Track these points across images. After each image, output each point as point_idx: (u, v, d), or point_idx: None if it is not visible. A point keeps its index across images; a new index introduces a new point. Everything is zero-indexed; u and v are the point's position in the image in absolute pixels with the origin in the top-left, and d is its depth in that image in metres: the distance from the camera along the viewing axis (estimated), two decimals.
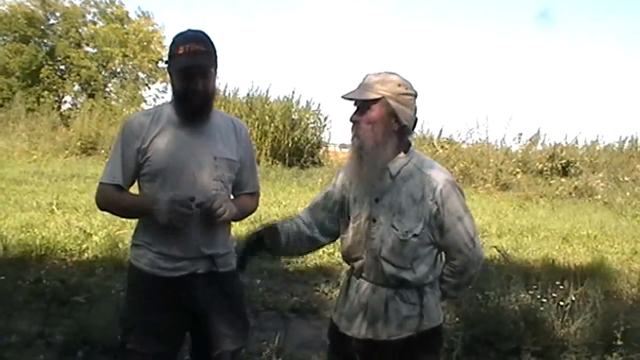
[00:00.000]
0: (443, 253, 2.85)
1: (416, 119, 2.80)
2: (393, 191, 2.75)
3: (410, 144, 2.84)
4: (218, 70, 3.05)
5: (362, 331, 2.84)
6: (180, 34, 3.00)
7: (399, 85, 2.71)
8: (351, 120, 2.77)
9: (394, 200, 2.74)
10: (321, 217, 3.03)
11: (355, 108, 2.76)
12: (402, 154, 2.78)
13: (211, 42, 3.00)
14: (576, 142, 22.40)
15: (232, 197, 3.23)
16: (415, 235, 2.72)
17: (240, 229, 8.76)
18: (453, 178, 2.87)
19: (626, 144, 22.89)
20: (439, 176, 2.76)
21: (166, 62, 3.05)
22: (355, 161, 2.80)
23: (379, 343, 2.81)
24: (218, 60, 3.04)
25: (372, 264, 2.80)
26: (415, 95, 2.77)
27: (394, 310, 2.78)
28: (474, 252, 2.81)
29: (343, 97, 2.76)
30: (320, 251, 8.22)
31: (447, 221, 2.73)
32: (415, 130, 2.94)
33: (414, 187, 2.74)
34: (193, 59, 2.90)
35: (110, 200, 3.10)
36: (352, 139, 2.78)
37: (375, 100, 2.68)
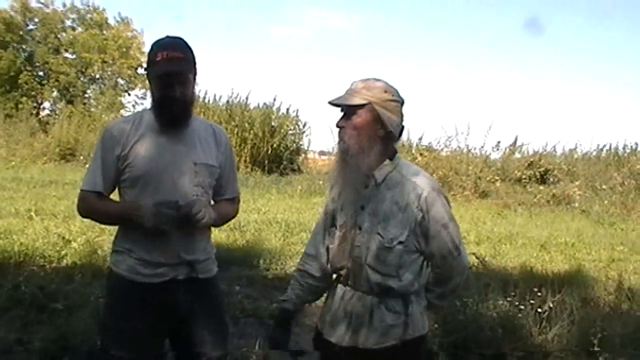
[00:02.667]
0: (428, 262, 2.85)
1: (402, 127, 2.81)
2: (378, 198, 2.76)
3: (396, 151, 2.85)
4: (197, 76, 3.07)
5: (347, 339, 2.84)
6: (159, 40, 3.01)
7: (385, 91, 2.73)
8: (337, 125, 2.78)
9: (379, 208, 2.75)
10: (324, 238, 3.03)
11: (341, 114, 2.77)
12: (387, 161, 2.79)
13: (189, 49, 3.02)
14: (554, 150, 22.60)
15: (212, 202, 3.23)
16: (400, 243, 2.72)
17: (219, 235, 8.78)
18: (438, 185, 2.90)
19: (603, 152, 23.10)
20: (424, 183, 2.77)
21: (145, 69, 3.06)
22: (339, 165, 2.82)
23: (363, 351, 2.81)
24: (197, 66, 3.06)
25: (358, 272, 2.79)
26: (402, 103, 2.79)
27: (379, 318, 2.78)
28: (459, 260, 2.83)
29: (330, 102, 2.77)
30: (298, 258, 8.23)
31: (432, 228, 2.74)
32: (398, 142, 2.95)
33: (399, 195, 2.74)
34: (171, 65, 2.92)
35: (92, 207, 3.10)
36: (338, 144, 2.80)
37: (362, 106, 2.69)
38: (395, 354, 2.79)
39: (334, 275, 2.97)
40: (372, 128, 2.72)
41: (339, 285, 2.92)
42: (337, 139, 2.82)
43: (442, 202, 2.79)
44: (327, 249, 2.97)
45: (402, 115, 2.79)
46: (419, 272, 2.81)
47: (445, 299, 3.04)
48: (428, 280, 2.86)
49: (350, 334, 2.83)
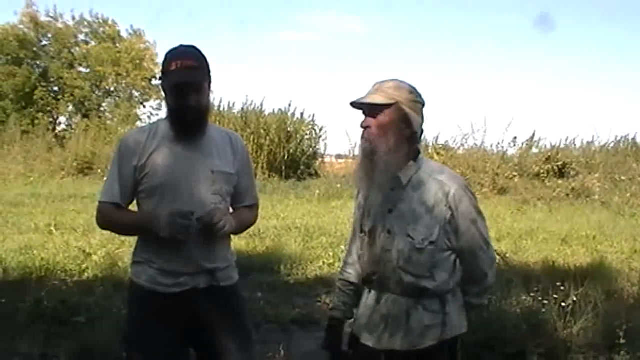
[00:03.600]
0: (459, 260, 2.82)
1: (423, 129, 2.80)
2: (405, 200, 2.74)
3: (419, 152, 2.83)
4: (212, 85, 3.05)
5: (384, 342, 2.81)
6: (172, 50, 3.00)
7: (411, 92, 2.73)
8: (362, 125, 2.76)
9: (407, 209, 2.73)
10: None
11: (364, 115, 2.76)
12: (411, 162, 2.77)
13: (204, 57, 3.01)
14: (574, 143, 22.45)
15: (231, 210, 3.22)
16: (431, 243, 2.70)
17: (239, 242, 8.79)
18: (464, 181, 2.87)
19: (622, 144, 22.91)
20: (450, 181, 2.76)
21: (160, 79, 3.06)
22: (366, 167, 2.78)
23: (401, 353, 2.78)
24: (211, 75, 3.05)
25: (390, 276, 2.77)
26: (424, 105, 2.78)
27: (416, 320, 2.76)
28: (489, 254, 2.83)
29: (353, 102, 2.75)
30: (320, 262, 8.23)
31: (461, 225, 2.72)
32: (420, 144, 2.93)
33: (426, 194, 2.72)
34: (185, 75, 2.91)
35: (110, 219, 3.10)
36: (363, 145, 2.77)
37: (389, 105, 2.68)
38: (433, 354, 2.76)
39: (367, 281, 2.94)
40: (399, 128, 2.71)
41: (373, 291, 2.89)
42: (361, 140, 2.79)
43: (469, 198, 2.77)
44: (359, 255, 2.97)
45: (423, 118, 2.79)
46: (452, 270, 2.79)
47: (485, 296, 3.01)
48: (463, 281, 2.83)
49: (388, 337, 2.80)
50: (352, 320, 3.05)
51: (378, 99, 2.70)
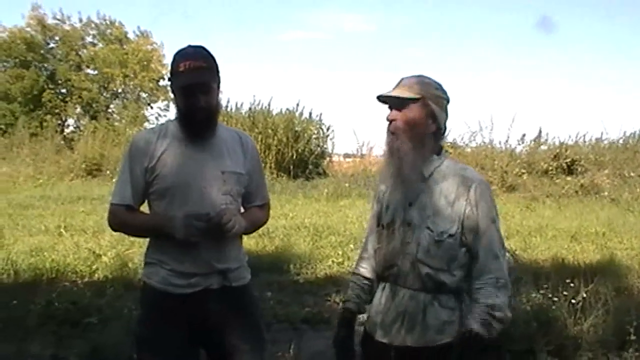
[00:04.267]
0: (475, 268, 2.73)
1: (446, 126, 2.81)
2: (426, 193, 2.74)
3: (442, 148, 2.84)
4: (220, 85, 3.05)
5: (400, 338, 2.79)
6: (181, 50, 2.99)
7: (437, 88, 2.74)
8: (388, 118, 2.76)
9: (428, 202, 2.73)
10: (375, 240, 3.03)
11: (389, 108, 2.76)
12: (434, 156, 2.78)
13: (212, 58, 3.00)
14: (583, 139, 22.33)
15: (242, 210, 3.23)
16: (450, 236, 2.68)
17: (248, 242, 8.80)
18: (486, 180, 2.87)
19: (631, 140, 22.80)
20: (473, 177, 2.76)
21: (168, 80, 3.06)
22: (393, 163, 2.78)
23: (417, 349, 2.76)
24: (220, 75, 3.04)
25: (410, 269, 2.76)
26: (448, 101, 2.79)
27: (433, 315, 2.74)
28: (505, 260, 2.77)
29: (380, 96, 2.75)
30: (329, 261, 8.24)
31: (481, 223, 2.69)
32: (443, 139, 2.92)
33: (447, 188, 2.72)
34: (194, 75, 2.90)
35: (123, 221, 3.10)
36: (388, 139, 2.76)
37: (416, 100, 2.68)
38: (449, 351, 2.71)
39: (383, 276, 2.93)
40: (425, 123, 2.71)
41: (388, 285, 2.88)
42: (386, 133, 2.78)
43: (490, 197, 2.76)
44: (375, 249, 2.96)
45: (448, 114, 2.79)
46: (468, 269, 2.75)
47: (510, 303, 2.77)
48: (490, 294, 2.67)
49: (404, 333, 2.78)
50: (364, 315, 3.04)
51: (405, 93, 2.70)
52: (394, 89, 2.76)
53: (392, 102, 2.75)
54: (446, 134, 2.86)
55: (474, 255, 2.72)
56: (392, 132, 2.74)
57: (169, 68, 3.03)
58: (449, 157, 2.86)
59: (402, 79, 2.78)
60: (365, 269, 3.05)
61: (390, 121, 2.75)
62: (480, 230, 2.70)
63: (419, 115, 2.69)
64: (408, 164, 2.71)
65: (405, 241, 2.76)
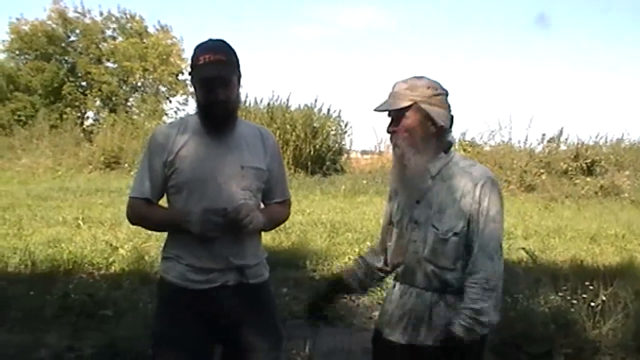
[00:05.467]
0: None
1: (452, 117, 2.80)
2: (433, 191, 2.75)
3: (451, 144, 2.84)
4: (241, 79, 3.03)
5: (406, 337, 2.80)
6: (201, 44, 2.97)
7: (428, 87, 2.72)
8: (388, 131, 2.78)
9: (434, 200, 2.73)
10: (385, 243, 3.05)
11: (389, 119, 2.78)
12: (442, 154, 2.78)
13: (233, 51, 2.98)
14: (604, 140, 22.16)
15: (262, 206, 3.21)
16: (455, 234, 2.69)
17: (265, 237, 8.78)
18: (494, 177, 2.84)
19: None
20: (480, 173, 2.75)
21: (189, 74, 3.04)
22: (399, 170, 2.80)
23: (423, 349, 2.77)
24: (240, 69, 3.02)
25: (416, 267, 2.78)
26: (447, 94, 2.78)
27: (439, 315, 2.74)
28: (500, 263, 2.71)
29: (375, 110, 2.77)
30: (346, 258, 8.22)
31: (482, 219, 2.68)
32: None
33: (454, 186, 2.72)
34: (213, 69, 2.88)
35: (141, 214, 3.10)
36: (393, 149, 2.80)
37: (408, 107, 2.69)
38: (456, 350, 2.70)
39: (392, 272, 2.97)
40: (424, 127, 2.72)
41: (397, 284, 2.91)
42: (390, 145, 2.82)
43: (496, 194, 2.73)
44: (386, 247, 2.99)
45: (449, 106, 2.78)
46: None
47: (498, 307, 2.73)
48: (473, 297, 2.65)
49: (410, 332, 2.80)
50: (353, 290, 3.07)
51: (397, 104, 2.72)
52: (388, 96, 2.77)
53: (389, 113, 2.77)
54: (452, 125, 2.84)
55: (469, 250, 2.71)
56: (394, 143, 2.78)
57: (190, 61, 3.01)
58: (457, 154, 2.86)
59: (395, 84, 2.79)
60: (371, 258, 3.10)
61: (391, 133, 2.77)
62: (480, 226, 2.69)
63: (415, 121, 2.71)
64: (412, 170, 2.73)
65: (412, 239, 2.79)
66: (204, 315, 3.00)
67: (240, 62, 3.03)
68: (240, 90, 3.07)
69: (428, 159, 2.74)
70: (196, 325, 3.00)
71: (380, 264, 3.06)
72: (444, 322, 2.72)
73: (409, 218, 2.80)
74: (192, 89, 3.07)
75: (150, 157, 3.03)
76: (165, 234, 3.19)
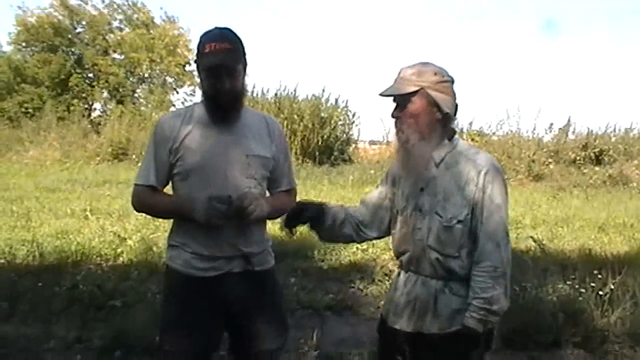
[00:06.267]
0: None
1: (457, 105, 2.79)
2: (437, 178, 2.74)
3: (454, 132, 2.84)
4: (247, 68, 3.02)
5: (412, 325, 2.81)
6: (207, 32, 2.97)
7: (435, 74, 2.71)
8: (393, 116, 2.76)
9: (438, 187, 2.73)
10: (371, 212, 3.04)
11: (394, 104, 2.76)
12: (446, 142, 2.78)
13: (239, 40, 2.98)
14: (614, 129, 22.07)
15: (267, 194, 3.21)
16: (460, 222, 2.68)
17: (273, 227, 8.79)
18: (498, 164, 2.83)
19: None
20: (484, 161, 2.74)
21: (195, 62, 3.03)
22: (403, 156, 2.79)
23: (428, 336, 2.77)
24: (246, 58, 3.01)
25: (420, 255, 2.78)
26: (452, 82, 2.77)
27: (444, 303, 2.75)
28: (508, 249, 2.72)
29: (381, 94, 2.75)
30: (354, 247, 8.20)
31: (487, 207, 2.67)
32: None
33: (458, 173, 2.72)
34: (219, 57, 2.87)
35: (146, 201, 3.10)
36: (397, 134, 2.77)
37: (414, 93, 2.68)
38: (460, 339, 2.71)
39: (398, 261, 2.96)
40: (429, 113, 2.71)
41: (402, 272, 2.91)
42: (394, 130, 2.79)
43: (500, 182, 2.73)
44: (392, 235, 2.98)
45: (454, 94, 2.77)
46: None
47: (507, 293, 2.72)
48: (481, 286, 2.66)
49: (415, 319, 2.80)
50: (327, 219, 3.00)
51: (403, 89, 2.70)
52: (394, 82, 2.76)
53: (395, 98, 2.75)
54: (457, 113, 2.83)
55: (475, 239, 2.71)
56: (399, 128, 2.75)
57: (196, 50, 3.00)
58: (461, 141, 2.86)
59: (401, 69, 2.77)
60: (356, 211, 3.07)
61: (396, 118, 2.76)
62: (485, 214, 2.69)
63: (421, 107, 2.70)
64: (417, 156, 2.73)
65: (417, 227, 2.78)
66: (210, 302, 3.01)
67: (246, 51, 3.02)
68: (247, 79, 3.07)
69: (432, 145, 2.73)
70: (203, 312, 3.01)
71: (363, 223, 3.03)
72: (450, 309, 2.74)
73: (413, 206, 2.79)
74: (199, 79, 3.06)
75: (155, 146, 3.04)
76: (171, 223, 3.19)
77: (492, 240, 2.68)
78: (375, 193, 3.07)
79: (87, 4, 32.93)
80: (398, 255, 2.92)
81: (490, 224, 2.68)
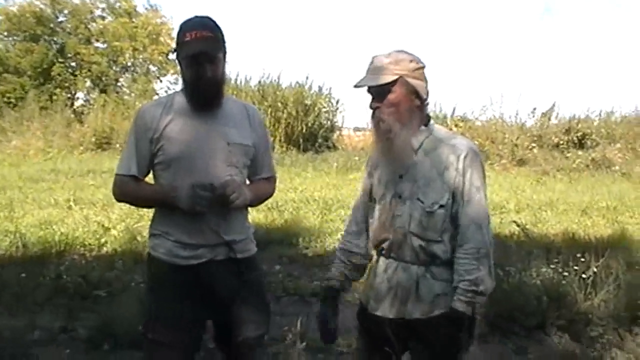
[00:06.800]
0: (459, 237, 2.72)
1: (428, 91, 2.78)
2: (417, 165, 2.74)
3: (430, 118, 2.84)
4: (227, 56, 3.02)
5: (394, 311, 2.80)
6: (187, 20, 2.97)
7: (411, 61, 2.70)
8: (371, 107, 2.75)
9: (418, 173, 2.73)
10: (363, 213, 3.03)
11: (370, 95, 2.75)
12: (423, 127, 2.77)
13: (218, 28, 2.97)
14: (596, 113, 22.18)
15: (247, 182, 3.21)
16: (441, 206, 2.69)
17: (257, 215, 8.80)
18: (476, 147, 2.84)
19: None
20: (463, 144, 2.75)
21: (174, 51, 3.02)
22: (384, 145, 2.77)
23: (410, 322, 2.78)
24: (226, 45, 3.01)
25: (402, 242, 2.77)
26: (424, 67, 2.76)
27: (426, 288, 2.75)
28: (489, 232, 2.73)
29: (357, 85, 2.73)
30: (338, 234, 8.21)
31: (467, 190, 2.69)
32: (429, 108, 2.89)
33: (438, 158, 2.72)
34: (200, 45, 2.87)
35: (128, 191, 3.09)
36: (377, 125, 2.75)
37: (394, 82, 2.67)
38: (443, 323, 2.72)
39: (376, 250, 2.94)
40: (409, 100, 2.70)
41: (382, 259, 2.90)
42: (372, 120, 2.77)
43: (479, 165, 2.75)
44: (368, 224, 2.97)
45: (427, 80, 2.77)
46: None
47: (493, 273, 2.75)
48: (464, 266, 2.67)
49: (398, 305, 2.80)
50: (348, 291, 3.07)
51: (383, 79, 2.68)
52: (368, 72, 2.74)
53: (371, 89, 2.74)
54: (429, 100, 2.82)
55: (457, 223, 2.72)
56: (379, 118, 2.73)
57: (175, 39, 2.99)
58: (437, 126, 2.86)
59: (374, 58, 2.75)
60: (354, 244, 3.05)
61: (374, 109, 2.74)
62: (465, 198, 2.70)
63: (401, 95, 2.69)
64: (399, 145, 2.71)
65: (397, 214, 2.77)
66: (194, 290, 3.01)
67: (226, 39, 3.02)
68: (227, 66, 3.06)
69: (413, 133, 2.73)
70: (186, 301, 3.01)
71: (363, 246, 3.03)
72: (432, 294, 2.74)
73: (392, 193, 2.79)
74: (179, 68, 3.05)
75: (136, 135, 3.03)
76: (153, 212, 3.19)
77: (475, 222, 2.69)
78: (360, 192, 3.07)
79: None
80: (377, 244, 2.90)
81: (472, 207, 2.69)
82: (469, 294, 2.65)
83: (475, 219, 2.69)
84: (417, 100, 2.71)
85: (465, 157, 2.69)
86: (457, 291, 2.67)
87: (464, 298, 2.65)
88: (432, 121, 2.84)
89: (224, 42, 3.00)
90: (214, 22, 2.98)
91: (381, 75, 2.68)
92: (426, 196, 2.70)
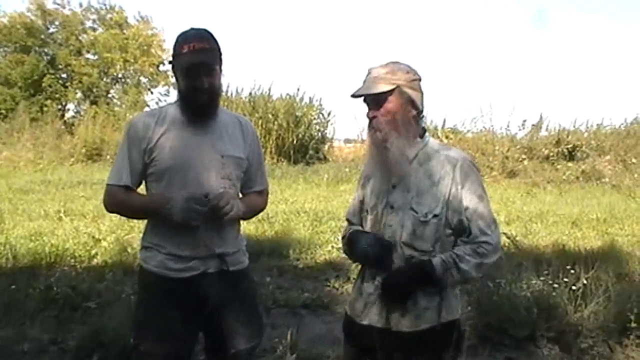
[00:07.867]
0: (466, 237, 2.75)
1: (423, 105, 2.80)
2: (410, 175, 2.74)
3: (425, 130, 2.85)
4: (223, 67, 3.04)
5: (382, 321, 2.79)
6: (184, 32, 2.99)
7: (408, 72, 2.74)
8: (368, 116, 2.76)
9: (412, 183, 2.74)
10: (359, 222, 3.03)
11: (366, 104, 2.77)
12: (418, 139, 2.79)
13: (215, 40, 2.99)
14: (586, 125, 22.32)
15: (240, 195, 3.21)
16: (435, 216, 2.69)
17: (248, 227, 8.78)
18: (471, 158, 2.86)
19: (633, 126, 22.71)
20: (458, 155, 2.77)
21: (170, 62, 3.04)
22: (380, 155, 2.77)
23: (396, 333, 2.77)
24: (222, 57, 3.03)
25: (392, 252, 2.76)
26: (420, 79, 2.79)
27: (412, 301, 2.74)
28: (497, 234, 2.76)
29: (354, 95, 2.75)
30: (329, 246, 8.24)
31: (470, 201, 2.70)
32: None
33: (432, 169, 2.73)
34: (197, 56, 2.89)
35: (119, 201, 3.08)
36: (373, 134, 2.76)
37: (391, 91, 2.69)
38: (428, 337, 2.73)
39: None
40: (405, 110, 2.73)
41: (370, 270, 2.88)
42: (369, 130, 2.79)
43: (476, 174, 2.77)
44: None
45: (422, 92, 2.79)
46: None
47: (481, 270, 2.76)
48: (464, 251, 2.70)
49: (385, 316, 2.79)
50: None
51: (379, 88, 2.70)
52: (365, 83, 2.76)
53: (368, 98, 2.76)
54: (424, 112, 2.86)
55: (468, 233, 2.72)
56: (375, 128, 2.74)
57: (172, 50, 3.01)
58: (432, 139, 2.87)
59: (371, 69, 2.78)
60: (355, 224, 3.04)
61: (371, 118, 2.75)
62: (470, 209, 2.71)
63: (397, 105, 2.71)
64: (395, 155, 2.72)
65: (388, 224, 2.78)
66: (185, 303, 3.01)
67: (222, 52, 3.03)
68: (222, 78, 3.08)
69: (409, 143, 2.74)
70: (178, 313, 3.00)
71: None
72: (419, 307, 2.74)
73: (384, 204, 2.79)
74: (173, 79, 3.07)
75: (129, 146, 3.03)
76: (144, 224, 3.18)
77: (482, 231, 2.71)
78: (354, 203, 3.08)
79: (64, 7, 32.77)
80: None
81: (479, 216, 2.71)
82: (450, 260, 2.67)
83: (483, 228, 2.71)
84: (413, 110, 2.73)
85: (461, 166, 2.71)
86: (442, 254, 2.69)
87: (444, 257, 2.68)
88: (427, 133, 2.85)
89: (220, 54, 3.02)
90: (210, 34, 3.00)
91: (378, 84, 2.70)
92: (420, 206, 2.71)
